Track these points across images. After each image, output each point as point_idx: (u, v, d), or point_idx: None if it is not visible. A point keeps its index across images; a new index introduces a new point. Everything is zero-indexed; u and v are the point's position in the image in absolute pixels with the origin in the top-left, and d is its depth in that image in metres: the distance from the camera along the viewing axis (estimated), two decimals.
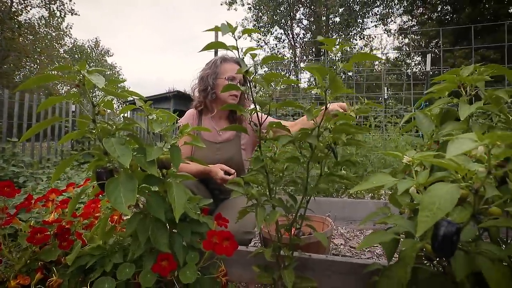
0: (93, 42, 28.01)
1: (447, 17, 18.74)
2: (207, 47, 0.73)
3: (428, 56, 4.19)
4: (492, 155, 0.40)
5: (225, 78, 1.57)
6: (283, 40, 22.09)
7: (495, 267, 0.44)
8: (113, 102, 0.84)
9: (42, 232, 0.87)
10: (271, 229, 1.20)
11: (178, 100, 17.44)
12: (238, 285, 1.11)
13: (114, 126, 0.80)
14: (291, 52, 22.18)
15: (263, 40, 22.20)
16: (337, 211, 1.93)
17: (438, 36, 16.00)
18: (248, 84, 0.83)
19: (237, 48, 0.72)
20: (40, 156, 5.21)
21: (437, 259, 0.57)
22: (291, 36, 22.13)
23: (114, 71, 29.71)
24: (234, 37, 0.71)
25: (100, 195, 1.26)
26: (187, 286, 0.85)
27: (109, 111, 0.80)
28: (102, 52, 28.66)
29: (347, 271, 1.04)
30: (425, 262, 0.64)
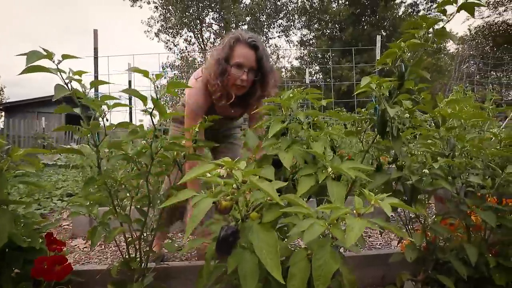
0: None
1: (336, 34, 21.90)
2: (26, 71, 0.70)
3: (307, 70, 4.87)
4: (240, 174, 0.54)
5: (230, 65, 1.37)
6: (193, 43, 21.84)
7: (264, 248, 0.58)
8: None
9: None
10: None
11: (72, 104, 15.04)
12: None
13: None
14: (202, 56, 22.09)
15: (172, 42, 21.48)
16: None
17: (329, 50, 18.47)
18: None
19: (60, 70, 0.72)
20: None
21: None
22: (201, 39, 22.04)
23: None
24: (54, 61, 0.71)
25: None
26: None
27: None
28: None
29: None
30: None
